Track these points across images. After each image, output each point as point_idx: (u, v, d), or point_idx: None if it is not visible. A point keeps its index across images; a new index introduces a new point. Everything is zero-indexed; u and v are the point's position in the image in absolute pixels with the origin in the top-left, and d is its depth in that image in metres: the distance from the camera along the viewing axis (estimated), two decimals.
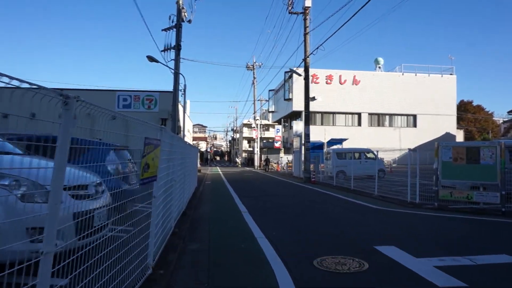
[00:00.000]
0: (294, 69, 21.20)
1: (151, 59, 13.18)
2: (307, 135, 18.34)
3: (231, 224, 7.28)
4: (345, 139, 30.99)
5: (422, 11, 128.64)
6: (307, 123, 18.44)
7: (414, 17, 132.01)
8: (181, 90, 14.50)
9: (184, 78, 14.59)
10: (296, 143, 23.77)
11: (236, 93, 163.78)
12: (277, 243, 5.51)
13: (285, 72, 43.15)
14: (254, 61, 40.29)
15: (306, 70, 18.53)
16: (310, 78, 42.18)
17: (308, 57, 18.29)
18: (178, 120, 15.06)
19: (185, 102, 15.03)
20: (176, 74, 14.36)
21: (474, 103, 73.40)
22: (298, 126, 24.72)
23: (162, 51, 15.27)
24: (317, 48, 16.77)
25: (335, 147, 29.49)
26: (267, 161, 36.01)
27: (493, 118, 75.23)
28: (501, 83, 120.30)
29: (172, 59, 15.02)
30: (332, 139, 29.86)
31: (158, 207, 4.36)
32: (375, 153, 21.28)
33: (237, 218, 7.87)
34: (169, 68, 14.30)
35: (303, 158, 19.87)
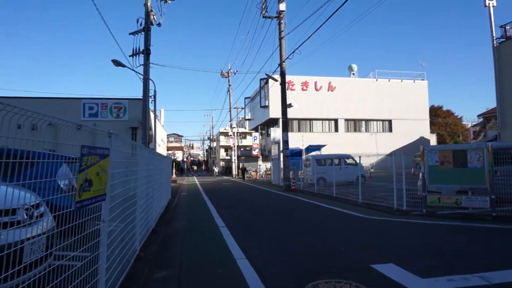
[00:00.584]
0: (270, 74, 20.68)
1: (116, 63, 12.18)
2: (285, 141, 17.77)
3: (207, 243, 6.46)
4: (323, 145, 30.79)
5: (394, 16, 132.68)
6: (285, 130, 17.87)
7: (386, 23, 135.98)
8: (151, 96, 13.60)
9: (154, 84, 13.72)
10: (274, 150, 23.18)
11: (211, 101, 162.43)
12: (259, 265, 4.76)
13: (261, 79, 42.79)
14: (229, 68, 39.72)
15: (283, 75, 18.03)
16: (286, 84, 42.34)
17: (284, 61, 17.80)
18: (150, 129, 14.10)
19: (155, 109, 14.08)
20: (146, 80, 13.44)
21: (444, 108, 75.63)
22: (275, 133, 24.14)
23: (130, 56, 14.35)
24: (293, 52, 16.32)
25: (313, 153, 29.15)
26: (243, 170, 35.25)
27: (462, 122, 77.82)
28: (469, 88, 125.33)
29: (141, 64, 14.13)
30: (310, 146, 29.55)
31: (114, 232, 3.53)
32: (356, 159, 21.07)
33: (214, 235, 7.06)
34: (138, 73, 13.39)
35: (282, 166, 19.27)
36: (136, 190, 4.89)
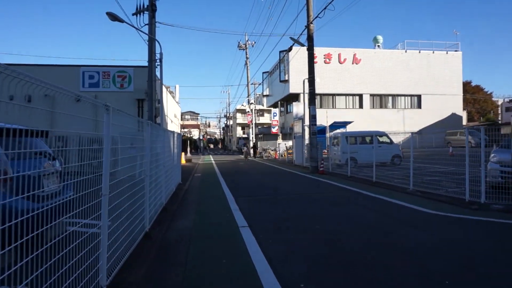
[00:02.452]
0: (291, 46, 18.12)
1: (113, 17, 9.86)
2: (312, 116, 15.48)
3: (222, 257, 4.42)
4: (349, 122, 28.27)
5: None
6: (312, 102, 15.55)
7: None
8: (157, 60, 11.42)
9: (161, 46, 11.56)
10: (297, 127, 20.95)
11: (228, 76, 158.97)
12: None
13: (280, 52, 40.09)
14: (247, 39, 37.02)
15: (310, 39, 15.52)
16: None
17: (311, 22, 15.26)
18: (157, 101, 12.05)
19: (161, 76, 11.94)
20: (151, 41, 11.29)
21: (473, 84, 71.22)
22: (298, 108, 21.85)
23: (133, 14, 12.16)
24: (325, 8, 13.73)
25: (338, 131, 26.80)
26: (254, 147, 33.16)
27: (492, 99, 73.25)
28: (500, 63, 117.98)
29: (146, 24, 11.93)
30: (335, 122, 27.06)
31: None
32: (390, 137, 18.63)
33: (232, 242, 5.03)
34: (141, 31, 11.15)
35: (306, 144, 17.08)
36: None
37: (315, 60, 39.62)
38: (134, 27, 11.39)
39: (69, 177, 2.99)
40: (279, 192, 10.30)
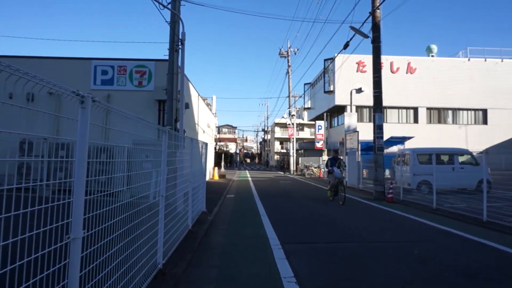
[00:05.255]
0: (349, 39, 14.81)
1: None
2: (379, 126, 12.03)
3: None
4: (409, 137, 24.32)
5: None
6: (378, 109, 12.11)
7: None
8: (177, 43, 8.57)
9: (183, 24, 8.67)
10: (350, 141, 17.45)
11: (267, 86, 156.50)
12: None
13: (325, 60, 36.94)
14: (289, 46, 34.14)
15: (376, 29, 12.20)
16: (355, 66, 35.71)
17: (378, 7, 11.97)
18: (177, 100, 9.21)
19: (183, 62, 9.05)
20: (174, 18, 8.54)
21: None
22: (351, 119, 18.46)
23: None
24: None
25: (395, 147, 22.94)
26: (295, 163, 29.74)
27: None
28: None
29: (168, 3, 9.24)
30: (392, 138, 23.20)
31: None
32: (475, 156, 14.68)
33: None
34: (166, 8, 8.48)
35: (358, 162, 13.61)
36: None
37: (363, 69, 36.11)
38: (167, 8, 8.74)
39: None
40: (349, 233, 6.91)
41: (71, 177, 2.14)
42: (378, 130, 12.22)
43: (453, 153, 14.54)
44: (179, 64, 8.89)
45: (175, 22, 8.85)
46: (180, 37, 8.58)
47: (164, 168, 3.85)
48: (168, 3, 9.40)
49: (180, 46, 8.55)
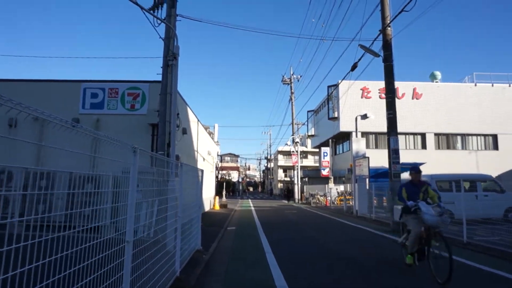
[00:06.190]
0: (358, 60, 14.01)
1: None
2: (394, 151, 10.92)
3: None
4: (420, 163, 23.01)
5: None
6: (393, 132, 11.06)
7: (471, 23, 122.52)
8: (170, 57, 7.64)
9: (177, 38, 7.76)
10: (360, 167, 16.30)
11: (270, 114, 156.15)
12: None
13: (328, 87, 36.46)
14: (292, 73, 33.73)
15: (387, 47, 11.37)
16: (360, 92, 35.04)
17: (389, 25, 11.18)
18: (168, 122, 8.19)
19: (176, 77, 8.08)
20: (168, 32, 7.71)
21: None
22: (359, 144, 17.40)
23: (150, 8, 8.82)
24: (408, 3, 9.66)
25: (406, 174, 21.73)
26: (300, 192, 28.48)
27: None
28: None
29: (164, 19, 8.44)
30: (402, 164, 22.00)
31: None
32: (499, 183, 13.48)
33: None
34: (156, 19, 7.66)
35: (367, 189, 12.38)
36: None
37: (368, 95, 35.40)
38: (152, 15, 7.94)
39: None
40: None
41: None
42: (394, 154, 11.11)
43: (475, 179, 13.33)
44: (173, 81, 7.94)
45: (170, 38, 8.00)
46: (173, 50, 7.68)
47: (132, 202, 2.76)
48: (164, 18, 8.62)
49: (173, 61, 7.62)
